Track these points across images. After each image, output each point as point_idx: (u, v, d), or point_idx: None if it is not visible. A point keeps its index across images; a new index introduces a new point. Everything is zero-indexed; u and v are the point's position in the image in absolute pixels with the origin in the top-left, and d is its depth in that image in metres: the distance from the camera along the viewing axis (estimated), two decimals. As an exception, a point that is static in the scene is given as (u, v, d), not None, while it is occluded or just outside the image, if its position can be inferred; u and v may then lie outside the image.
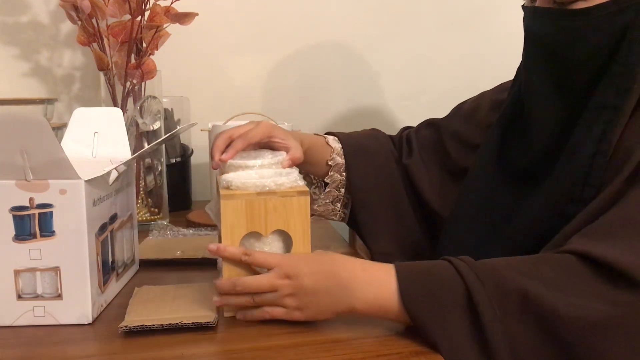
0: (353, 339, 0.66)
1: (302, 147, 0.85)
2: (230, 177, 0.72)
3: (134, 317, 0.69)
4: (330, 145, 0.96)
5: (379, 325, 0.68)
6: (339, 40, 1.52)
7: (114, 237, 0.78)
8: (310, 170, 0.96)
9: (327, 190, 0.97)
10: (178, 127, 1.13)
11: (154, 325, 0.67)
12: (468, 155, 0.93)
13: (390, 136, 1.04)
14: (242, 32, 1.46)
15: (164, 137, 1.07)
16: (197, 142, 1.39)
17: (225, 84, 1.46)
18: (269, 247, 0.72)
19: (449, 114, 1.02)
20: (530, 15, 0.78)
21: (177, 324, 0.67)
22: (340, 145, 0.97)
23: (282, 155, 0.79)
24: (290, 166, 0.79)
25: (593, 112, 0.72)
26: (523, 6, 0.80)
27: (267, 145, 0.83)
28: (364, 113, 1.56)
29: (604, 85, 0.71)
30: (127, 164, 0.82)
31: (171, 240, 1.05)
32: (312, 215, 0.96)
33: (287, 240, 0.72)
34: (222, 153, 0.78)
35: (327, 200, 0.97)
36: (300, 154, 0.82)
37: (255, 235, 0.71)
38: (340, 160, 0.96)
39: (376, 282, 0.66)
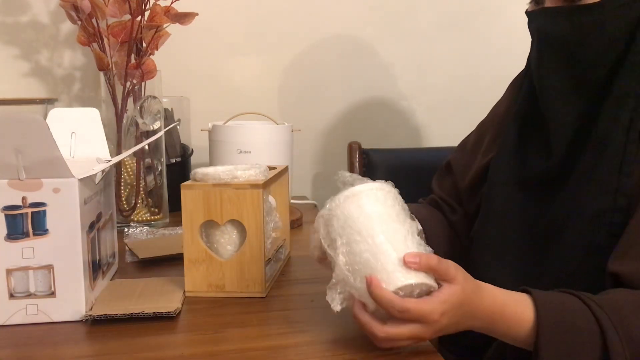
0: (353, 339, 0.65)
1: None
2: (199, 170, 0.79)
3: (100, 307, 0.71)
4: None
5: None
6: (338, 40, 1.51)
7: (100, 235, 0.78)
8: None
9: None
10: (163, 130, 1.11)
11: (117, 314, 0.68)
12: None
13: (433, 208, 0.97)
14: (242, 32, 1.46)
15: (147, 140, 1.07)
16: (197, 142, 1.38)
17: (225, 84, 1.46)
18: (229, 236, 0.78)
19: (455, 150, 0.98)
20: (541, 17, 0.77)
21: (138, 313, 0.69)
22: None
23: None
24: None
25: (616, 102, 0.71)
26: (527, 12, 0.79)
27: None
28: (364, 113, 1.55)
29: (624, 74, 0.71)
30: (113, 163, 0.83)
31: (163, 238, 1.06)
32: None
33: (243, 230, 0.77)
34: None
35: None
36: None
37: (214, 224, 0.77)
38: None
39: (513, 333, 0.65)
